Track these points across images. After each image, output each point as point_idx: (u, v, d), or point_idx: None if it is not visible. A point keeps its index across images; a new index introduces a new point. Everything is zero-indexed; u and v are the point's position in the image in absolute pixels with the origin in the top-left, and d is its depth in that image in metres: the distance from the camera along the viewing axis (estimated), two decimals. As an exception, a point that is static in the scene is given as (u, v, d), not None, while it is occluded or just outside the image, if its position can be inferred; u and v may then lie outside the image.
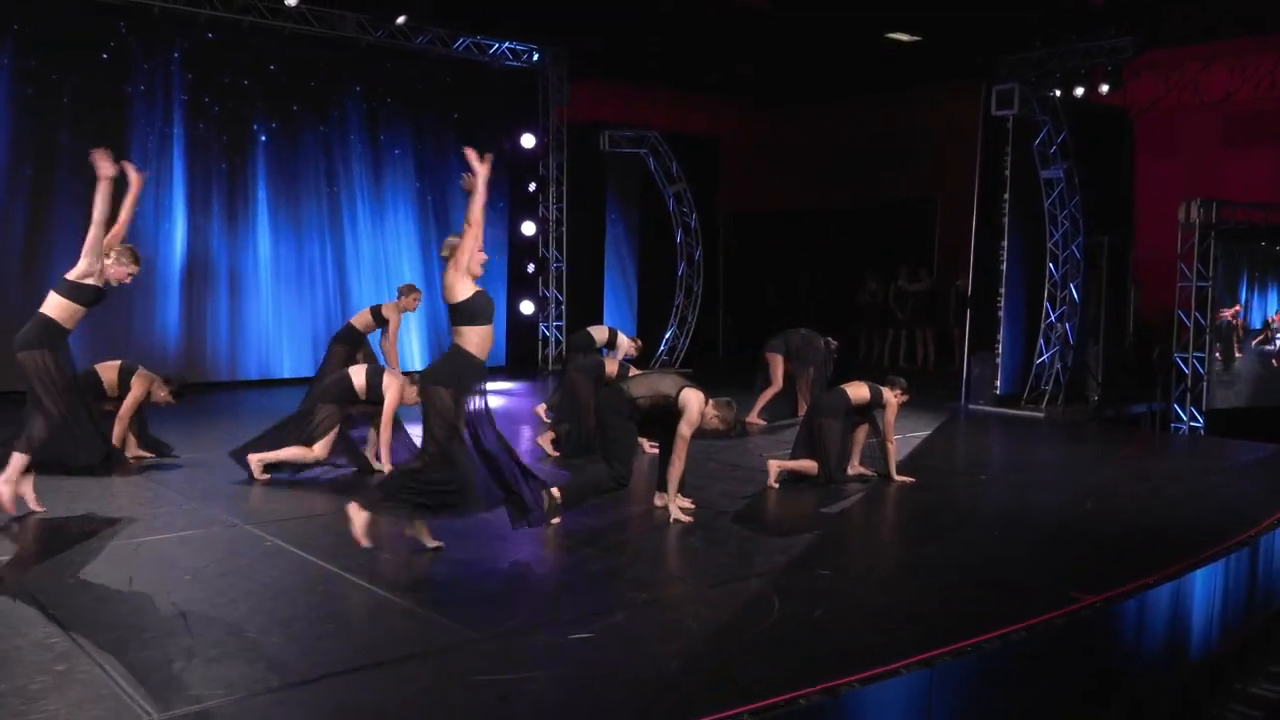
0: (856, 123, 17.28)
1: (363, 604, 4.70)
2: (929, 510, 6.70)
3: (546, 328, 14.97)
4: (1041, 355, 11.61)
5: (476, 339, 5.22)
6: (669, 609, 4.75)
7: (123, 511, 6.15)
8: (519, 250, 14.60)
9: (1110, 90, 12.43)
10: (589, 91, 15.13)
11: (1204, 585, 5.33)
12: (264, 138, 12.28)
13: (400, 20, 12.71)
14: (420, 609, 4.56)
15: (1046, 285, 11.55)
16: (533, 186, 14.60)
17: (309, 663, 3.94)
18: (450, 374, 5.19)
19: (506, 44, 14.05)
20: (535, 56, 14.41)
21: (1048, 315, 11.59)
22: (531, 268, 14.70)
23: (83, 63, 11.04)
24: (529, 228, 14.60)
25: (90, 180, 11.06)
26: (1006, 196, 11.14)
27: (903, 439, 9.20)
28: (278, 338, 12.49)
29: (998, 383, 11.39)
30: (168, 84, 11.59)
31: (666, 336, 15.25)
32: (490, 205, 14.11)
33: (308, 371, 12.51)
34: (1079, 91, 12.26)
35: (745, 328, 17.87)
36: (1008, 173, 11.11)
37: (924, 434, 9.65)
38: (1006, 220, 11.18)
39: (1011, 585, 5.13)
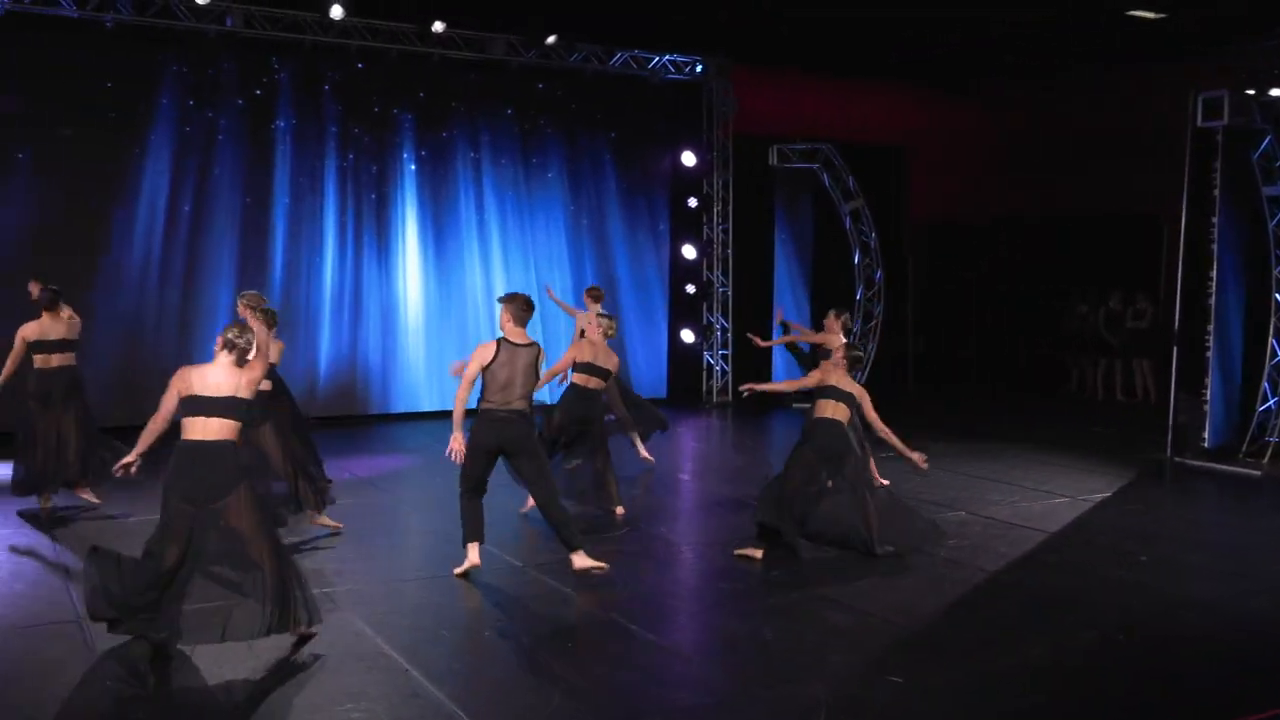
0: (1071, 117, 16.35)
1: (407, 704, 4.92)
2: (1056, 600, 6.34)
3: (711, 357, 15.06)
4: (1266, 401, 10.69)
5: None
6: (713, 717, 4.75)
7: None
8: (680, 274, 14.76)
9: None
10: (756, 98, 15.06)
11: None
12: (413, 166, 12.99)
13: (551, 40, 13.13)
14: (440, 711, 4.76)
15: (1273, 320, 10.64)
16: (693, 202, 14.73)
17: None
18: None
19: (667, 56, 14.25)
20: (699, 68, 14.54)
21: (1274, 354, 10.66)
22: (691, 289, 14.82)
23: (237, 100, 12.06)
24: (690, 250, 14.74)
25: (244, 215, 12.08)
26: (1215, 220, 10.33)
27: (1072, 500, 8.78)
28: (429, 370, 13.15)
29: (1205, 434, 10.58)
30: (319, 116, 12.47)
31: (843, 366, 14.99)
32: (650, 229, 14.45)
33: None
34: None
35: (938, 354, 17.35)
36: (1216, 192, 10.31)
37: (1105, 495, 9.11)
38: (1215, 247, 10.37)
39: (1107, 713, 4.82)
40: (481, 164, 13.43)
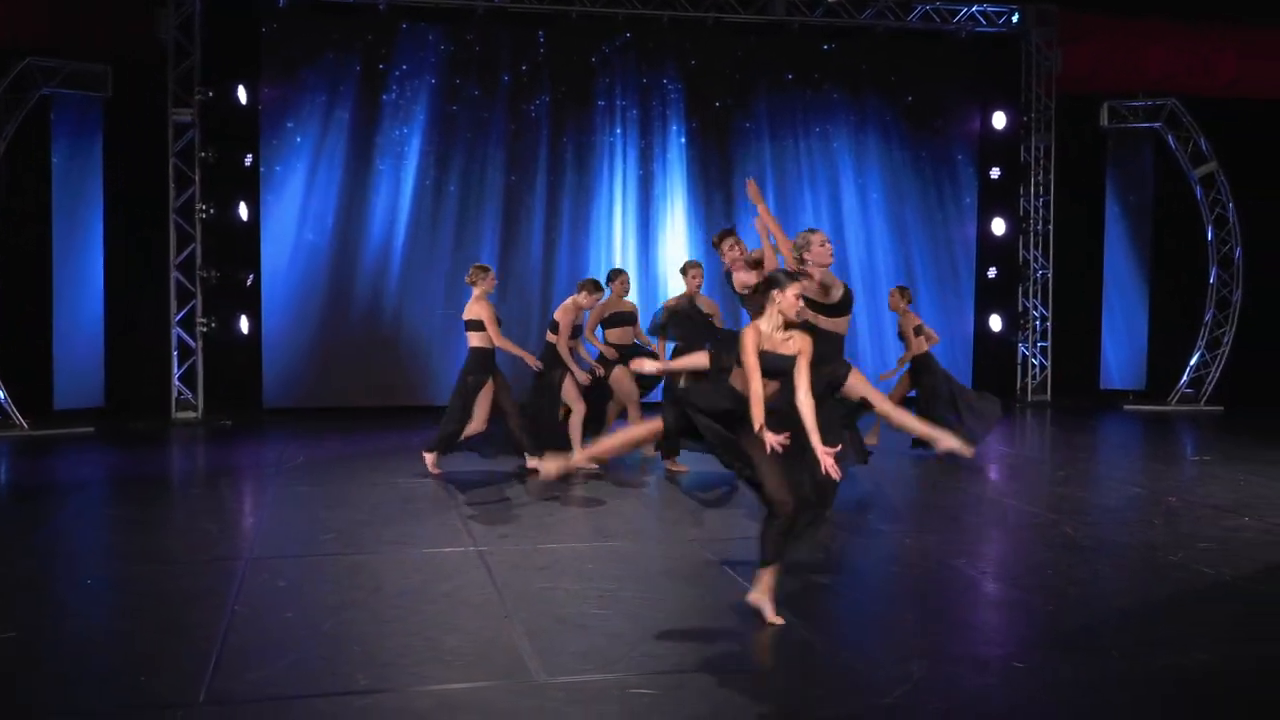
0: None
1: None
2: (1265, 611, 5.51)
3: (1026, 348, 14.20)
4: None
5: None
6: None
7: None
8: (988, 254, 14.00)
9: None
10: (1084, 50, 13.99)
11: None
12: (683, 139, 13.28)
13: (836, -7, 12.99)
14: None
15: None
16: (995, 173, 13.93)
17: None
18: None
19: (976, 7, 13.65)
20: (1015, 17, 13.81)
21: None
22: (993, 273, 14.02)
23: (503, 76, 12.86)
24: (1000, 225, 13.98)
25: (505, 194, 12.86)
26: None
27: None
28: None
29: None
30: (585, 90, 13.04)
31: (1191, 364, 13.61)
32: (955, 202, 13.90)
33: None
34: None
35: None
36: None
37: None
38: None
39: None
40: (760, 135, 13.47)
